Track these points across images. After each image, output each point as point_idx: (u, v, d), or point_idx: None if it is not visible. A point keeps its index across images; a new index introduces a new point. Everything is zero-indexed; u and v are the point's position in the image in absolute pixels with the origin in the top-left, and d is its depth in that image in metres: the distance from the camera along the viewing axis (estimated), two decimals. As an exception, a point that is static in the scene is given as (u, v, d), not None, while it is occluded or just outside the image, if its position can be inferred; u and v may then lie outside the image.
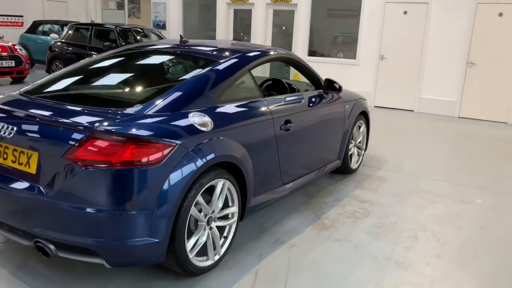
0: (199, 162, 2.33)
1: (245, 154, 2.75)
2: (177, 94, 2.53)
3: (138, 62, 3.26)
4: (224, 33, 10.70)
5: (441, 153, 5.68)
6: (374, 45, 8.77)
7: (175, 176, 2.22)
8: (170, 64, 3.16)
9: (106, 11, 15.87)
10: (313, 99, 3.66)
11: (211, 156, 2.42)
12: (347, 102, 4.24)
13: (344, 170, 4.48)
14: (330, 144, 3.99)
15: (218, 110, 2.65)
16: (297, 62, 3.68)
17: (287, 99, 3.35)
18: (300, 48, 9.59)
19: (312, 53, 9.64)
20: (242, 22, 11.57)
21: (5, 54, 8.94)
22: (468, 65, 8.02)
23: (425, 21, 8.27)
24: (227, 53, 3.06)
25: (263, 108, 3.00)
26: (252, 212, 2.98)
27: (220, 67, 2.86)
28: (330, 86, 3.81)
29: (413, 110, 8.68)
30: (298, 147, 3.42)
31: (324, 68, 9.36)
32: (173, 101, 2.47)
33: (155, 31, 10.17)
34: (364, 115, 4.70)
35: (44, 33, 12.19)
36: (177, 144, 2.26)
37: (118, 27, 8.91)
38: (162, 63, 3.22)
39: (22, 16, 13.77)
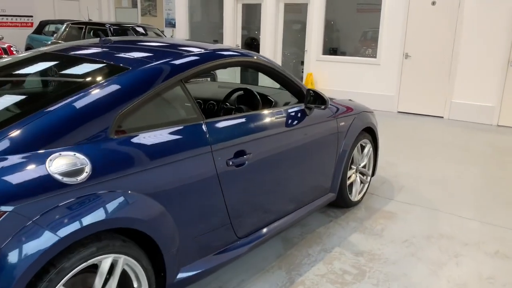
0: (51, 238, 1.44)
1: (160, 210, 1.85)
2: (35, 124, 1.64)
3: (10, 74, 2.31)
4: (232, 31, 9.81)
5: (473, 176, 4.57)
6: (397, 41, 7.64)
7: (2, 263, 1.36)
8: (53, 76, 2.22)
9: (119, 9, 15.32)
10: (289, 118, 2.71)
11: (80, 224, 1.52)
12: (343, 118, 3.25)
13: (341, 203, 3.49)
14: (315, 175, 3.02)
15: (112, 146, 1.76)
16: (267, 68, 2.73)
17: (244, 120, 2.41)
18: (313, 46, 8.57)
19: (332, 51, 8.59)
20: (251, 18, 10.64)
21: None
22: (510, 64, 6.78)
23: (457, 13, 7.08)
24: (149, 58, 2.16)
25: (198, 137, 2.09)
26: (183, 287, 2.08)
27: (127, 79, 1.96)
28: (313, 99, 2.84)
29: (442, 117, 7.50)
30: (262, 185, 2.48)
31: (340, 68, 8.30)
32: (25, 136, 1.59)
33: (157, 30, 9.40)
34: (370, 132, 3.69)
35: (54, 33, 11.69)
36: (7, 211, 1.38)
37: (112, 26, 8.18)
38: (43, 74, 2.28)
39: (31, 16, 13.37)
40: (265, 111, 2.60)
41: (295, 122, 2.75)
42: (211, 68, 2.35)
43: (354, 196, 3.59)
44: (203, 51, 2.38)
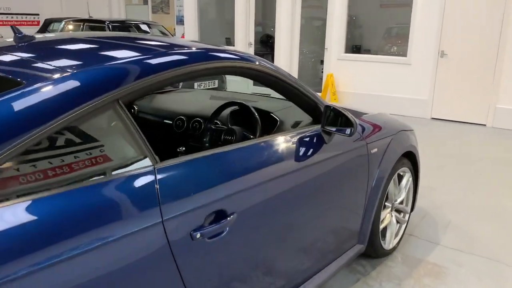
0: None
1: None
2: None
3: None
4: (243, 28, 8.95)
5: (537, 207, 3.60)
6: (431, 37, 6.66)
7: None
8: None
9: (129, 6, 14.65)
10: (299, 148, 1.85)
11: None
12: (376, 141, 2.36)
13: (372, 253, 2.61)
14: (337, 225, 2.15)
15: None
16: (272, 77, 1.86)
17: (229, 158, 1.57)
18: (334, 43, 7.64)
19: (355, 49, 7.65)
20: (267, 13, 9.76)
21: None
22: None
23: (504, 4, 6.06)
24: (70, 66, 1.32)
25: (139, 197, 1.25)
26: None
27: (10, 103, 1.13)
28: (333, 120, 1.96)
29: (484, 125, 6.49)
30: (252, 257, 1.63)
31: (365, 68, 7.36)
32: None
33: (162, 28, 8.63)
34: (410, 156, 2.79)
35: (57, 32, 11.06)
36: None
37: (111, 23, 7.42)
38: None
39: (38, 14, 12.80)
40: (264, 140, 1.75)
41: (309, 153, 1.88)
42: (175, 79, 1.50)
43: (389, 243, 2.70)
44: (169, 52, 1.53)
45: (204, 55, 1.60)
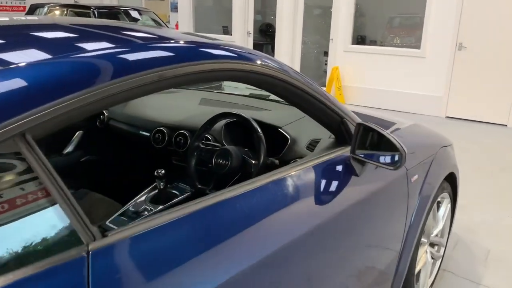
0: None
1: None
2: None
3: None
4: (241, 15, 8.31)
5: None
6: (448, 28, 6.06)
7: None
8: None
9: (122, -8, 13.94)
10: (318, 187, 1.29)
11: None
12: (417, 166, 1.80)
13: (402, 301, 2.06)
14: (366, 272, 1.59)
15: None
16: (282, 84, 1.26)
17: (212, 218, 1.00)
18: (341, 34, 7.03)
19: (360, 40, 7.05)
20: (267, 1, 9.15)
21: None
22: None
23: (531, -9, 5.46)
24: None
25: None
26: None
27: None
28: (369, 143, 1.38)
29: (505, 125, 5.92)
30: None
31: (374, 61, 6.76)
32: None
33: (153, 15, 7.98)
34: (450, 178, 2.23)
35: (45, 18, 10.37)
36: None
37: (97, 9, 6.79)
38: None
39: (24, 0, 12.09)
40: (272, 180, 1.18)
41: (333, 191, 1.32)
42: (118, 98, 0.91)
43: (423, 287, 2.15)
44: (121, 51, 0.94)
45: (184, 53, 1.02)
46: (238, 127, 1.74)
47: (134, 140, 2.14)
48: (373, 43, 7.03)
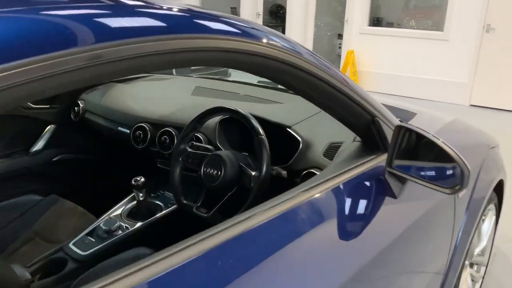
0: None
1: None
2: None
3: None
4: (252, -5, 7.83)
5: None
6: (475, 8, 5.54)
7: None
8: None
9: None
10: (342, 213, 0.90)
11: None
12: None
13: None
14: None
15: None
16: (286, 67, 0.87)
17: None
18: (357, 15, 6.54)
19: (376, 22, 6.56)
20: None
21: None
22: None
23: None
24: None
25: None
26: None
27: None
28: (412, 154, 0.99)
29: (536, 114, 5.44)
30: None
31: (392, 44, 6.28)
32: None
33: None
34: (497, 186, 1.83)
35: None
36: None
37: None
38: None
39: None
40: (276, 211, 0.80)
41: (363, 216, 0.95)
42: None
43: (461, 317, 1.77)
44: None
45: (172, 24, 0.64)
46: (236, 126, 1.36)
47: (113, 138, 1.77)
48: (390, 25, 6.54)
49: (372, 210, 1.00)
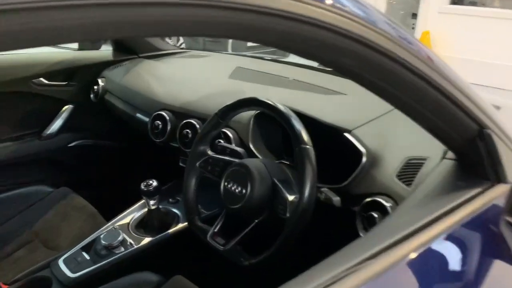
0: None
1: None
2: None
3: None
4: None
5: None
6: None
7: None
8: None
9: None
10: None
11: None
12: None
13: None
14: None
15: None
16: (353, 44, 0.48)
17: None
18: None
19: (456, 0, 5.80)
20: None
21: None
22: None
23: None
24: None
25: None
26: None
27: None
28: None
29: None
30: None
31: (477, 25, 5.51)
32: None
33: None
34: None
35: None
36: None
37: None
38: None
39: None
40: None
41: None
42: None
43: None
44: None
45: None
46: (278, 123, 0.99)
47: (132, 126, 1.47)
48: (473, 4, 5.75)
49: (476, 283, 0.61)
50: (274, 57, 1.81)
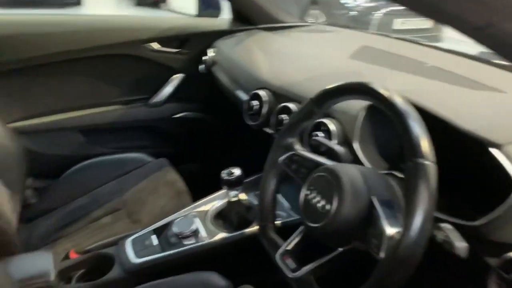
0: None
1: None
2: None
3: None
4: None
5: None
6: None
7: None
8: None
9: None
10: None
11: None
12: None
13: None
14: None
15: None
16: None
17: None
18: None
19: None
20: None
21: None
22: None
23: None
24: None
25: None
26: None
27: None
28: None
29: None
30: None
31: None
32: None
33: None
34: None
35: None
36: None
37: None
38: None
39: None
40: None
41: None
42: None
43: None
44: None
45: None
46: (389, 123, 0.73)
47: (233, 103, 1.32)
48: None
49: None
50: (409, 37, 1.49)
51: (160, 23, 1.53)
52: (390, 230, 0.58)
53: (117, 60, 1.47)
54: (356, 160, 0.81)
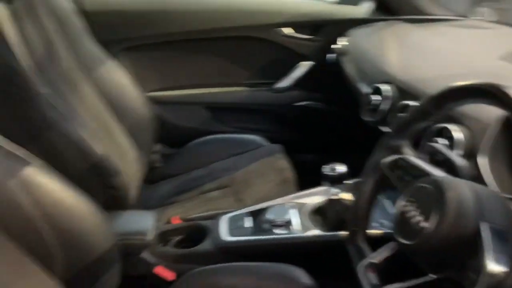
0: None
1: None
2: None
3: None
4: None
5: None
6: None
7: None
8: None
9: None
10: None
11: None
12: None
13: None
14: None
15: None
16: None
17: None
18: None
19: None
20: None
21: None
22: None
23: None
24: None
25: None
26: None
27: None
28: None
29: None
30: None
31: None
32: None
33: None
34: None
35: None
36: None
37: None
38: None
39: None
40: None
41: None
42: None
43: None
44: None
45: None
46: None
47: (355, 96, 1.24)
48: None
49: None
50: None
51: (297, 8, 1.50)
52: (494, 267, 0.47)
53: (248, 42, 1.50)
54: (478, 178, 0.68)
